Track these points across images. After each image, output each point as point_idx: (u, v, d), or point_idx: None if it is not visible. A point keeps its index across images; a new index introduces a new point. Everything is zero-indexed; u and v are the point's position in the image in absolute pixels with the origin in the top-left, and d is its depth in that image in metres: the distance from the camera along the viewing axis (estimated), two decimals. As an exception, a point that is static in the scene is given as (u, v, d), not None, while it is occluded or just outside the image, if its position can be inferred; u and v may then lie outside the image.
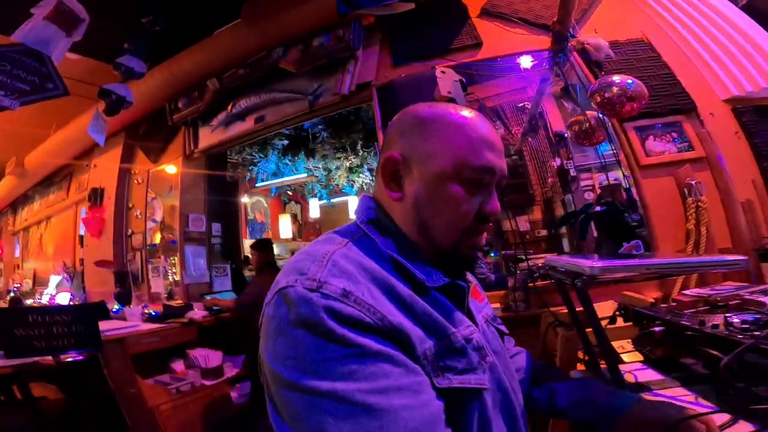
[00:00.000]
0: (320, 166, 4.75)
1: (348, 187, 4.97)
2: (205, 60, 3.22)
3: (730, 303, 0.98)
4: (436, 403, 0.46)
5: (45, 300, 5.02)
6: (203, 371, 2.70)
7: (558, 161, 4.06)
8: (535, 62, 2.57)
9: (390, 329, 0.47)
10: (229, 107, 3.38)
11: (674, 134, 2.08)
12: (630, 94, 1.83)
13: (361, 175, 4.73)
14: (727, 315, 0.84)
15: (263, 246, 3.03)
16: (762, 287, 1.36)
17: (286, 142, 4.50)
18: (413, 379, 0.45)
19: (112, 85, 2.62)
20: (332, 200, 5.66)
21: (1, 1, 2.44)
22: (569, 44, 2.31)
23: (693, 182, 1.89)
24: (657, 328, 0.98)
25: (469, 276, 0.71)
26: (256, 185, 5.40)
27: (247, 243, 4.65)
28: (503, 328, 0.74)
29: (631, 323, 1.20)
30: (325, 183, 5.03)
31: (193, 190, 3.88)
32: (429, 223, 0.59)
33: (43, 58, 2.38)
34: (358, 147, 4.30)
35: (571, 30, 2.25)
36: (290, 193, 6.15)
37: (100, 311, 2.36)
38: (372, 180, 4.73)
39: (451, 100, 1.88)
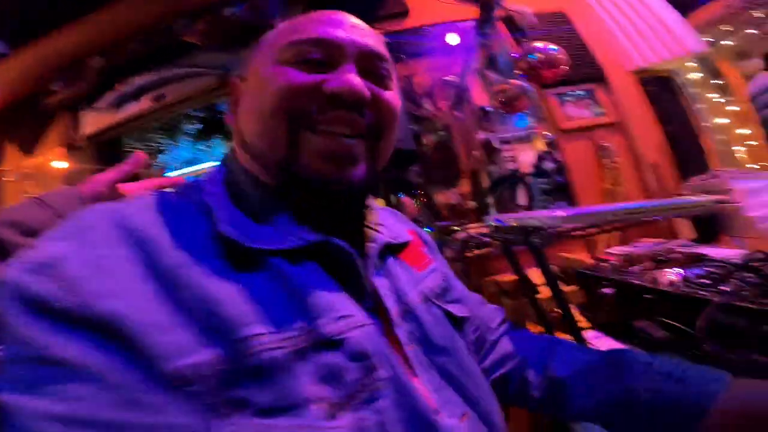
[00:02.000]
0: None
1: None
2: (86, 35, 2.61)
3: (671, 257, 0.97)
4: None
5: None
6: None
7: (482, 134, 4.21)
8: (462, 34, 2.51)
9: (101, 322, 0.27)
10: (119, 86, 2.82)
11: (588, 101, 2.18)
12: (552, 59, 1.83)
13: None
14: (680, 269, 0.80)
15: None
16: (681, 241, 1.44)
17: (199, 126, 4.04)
18: (127, 414, 0.26)
19: None
20: None
21: None
22: (495, 14, 2.28)
23: (606, 145, 1.98)
24: (608, 290, 0.93)
25: (399, 230, 0.51)
26: (165, 174, 4.80)
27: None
28: (456, 309, 0.51)
29: (574, 287, 1.17)
30: None
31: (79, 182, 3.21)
32: (246, 128, 0.42)
33: None
34: None
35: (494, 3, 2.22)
36: None
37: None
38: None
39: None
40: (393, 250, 0.49)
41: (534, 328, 1.07)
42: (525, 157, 3.43)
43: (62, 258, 0.29)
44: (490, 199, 4.47)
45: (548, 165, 2.19)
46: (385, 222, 0.51)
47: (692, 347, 0.63)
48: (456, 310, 0.51)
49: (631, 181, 2.02)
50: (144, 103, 2.82)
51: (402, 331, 0.41)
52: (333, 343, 0.33)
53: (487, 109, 4.04)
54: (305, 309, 0.34)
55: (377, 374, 0.34)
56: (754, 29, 2.34)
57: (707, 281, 0.71)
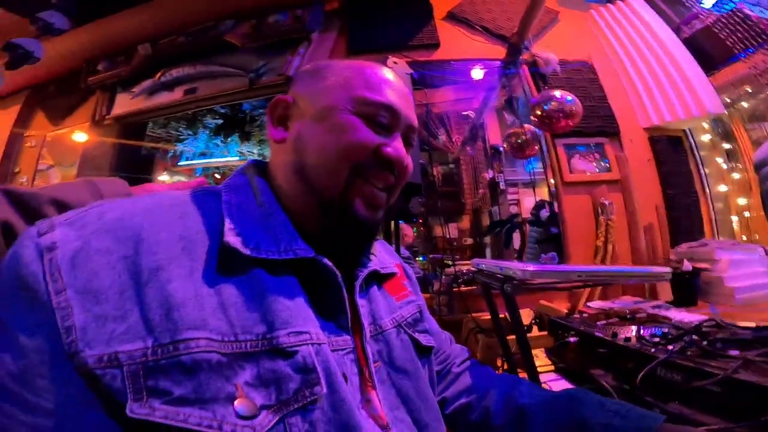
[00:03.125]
0: (255, 151, 4.46)
1: None
2: (140, 23, 2.81)
3: (637, 316, 1.00)
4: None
5: None
6: None
7: (490, 173, 4.27)
8: (486, 71, 2.61)
9: (56, 308, 0.32)
10: (158, 75, 2.98)
11: (597, 155, 2.23)
12: (567, 110, 1.90)
13: None
14: (638, 327, 0.84)
15: None
16: (657, 302, 1.46)
17: (219, 121, 4.16)
18: (17, 387, 0.31)
19: (21, 39, 2.18)
20: None
21: None
22: (522, 57, 2.38)
23: (606, 202, 2.02)
24: (572, 338, 0.96)
25: (383, 263, 0.56)
26: (179, 163, 4.91)
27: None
28: (423, 339, 0.55)
29: (546, 332, 1.20)
30: None
31: (99, 161, 3.32)
32: (310, 160, 0.45)
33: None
34: None
35: (526, 43, 2.32)
36: (218, 176, 5.74)
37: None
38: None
39: None
40: (379, 278, 0.54)
41: (499, 364, 1.10)
42: (529, 203, 3.49)
43: (58, 244, 0.34)
44: (487, 239, 4.51)
45: (544, 214, 2.23)
46: (378, 253, 0.57)
47: (635, 397, 0.66)
48: (423, 339, 0.55)
49: (624, 240, 2.05)
50: (176, 94, 2.97)
51: (371, 348, 0.46)
52: (284, 353, 0.37)
53: (499, 149, 4.12)
54: (269, 318, 0.38)
55: (317, 389, 0.37)
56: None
57: (659, 340, 0.75)
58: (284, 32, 2.69)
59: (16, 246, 0.35)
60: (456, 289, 2.01)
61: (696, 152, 2.35)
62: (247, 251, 0.40)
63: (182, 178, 5.65)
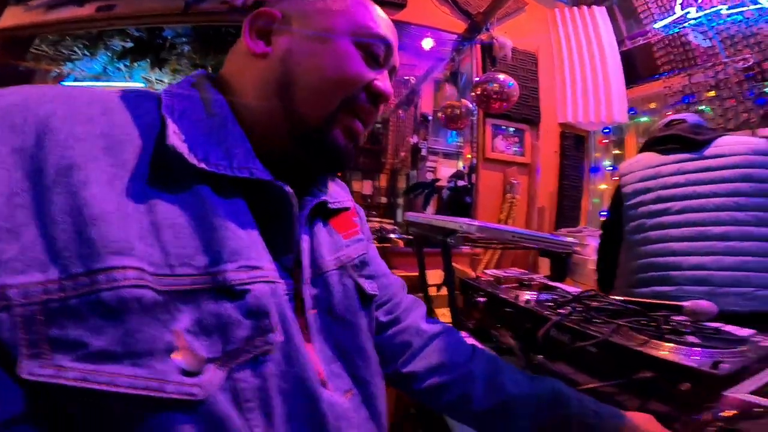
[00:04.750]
0: (166, 80, 3.86)
1: None
2: None
3: (532, 284, 1.17)
4: None
5: None
6: None
7: (415, 139, 4.39)
8: (437, 42, 2.58)
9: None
10: None
11: (516, 139, 2.43)
12: (505, 93, 2.01)
13: None
14: (536, 293, 0.98)
15: None
16: (539, 275, 1.73)
17: (130, 44, 3.47)
18: None
19: None
20: None
21: None
22: (480, 36, 2.39)
23: (515, 182, 2.25)
24: (481, 299, 1.09)
25: (338, 198, 0.52)
26: (62, 83, 4.01)
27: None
28: (368, 285, 0.50)
29: (457, 292, 1.33)
30: None
31: None
32: (300, 83, 0.41)
33: None
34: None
35: (488, 24, 2.34)
36: None
37: None
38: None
39: None
40: (325, 213, 0.49)
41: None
42: (445, 172, 3.68)
43: None
44: (400, 200, 4.71)
45: (461, 184, 2.39)
46: (331, 187, 0.52)
47: (528, 356, 0.79)
48: (368, 286, 0.50)
49: (521, 217, 2.33)
50: (86, 10, 2.36)
51: (308, 293, 0.41)
52: (232, 293, 0.30)
53: (428, 117, 4.23)
54: (214, 248, 0.31)
55: (271, 337, 0.32)
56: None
57: (551, 304, 0.89)
58: None
59: None
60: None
61: (592, 152, 2.73)
62: (194, 160, 0.32)
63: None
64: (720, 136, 1.24)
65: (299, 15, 0.43)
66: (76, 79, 3.85)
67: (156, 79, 3.85)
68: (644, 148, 1.41)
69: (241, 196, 0.36)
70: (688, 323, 0.73)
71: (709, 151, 1.21)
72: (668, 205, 1.21)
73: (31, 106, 0.28)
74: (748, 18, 2.13)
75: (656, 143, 1.35)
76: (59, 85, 0.34)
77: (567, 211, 2.53)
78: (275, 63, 0.42)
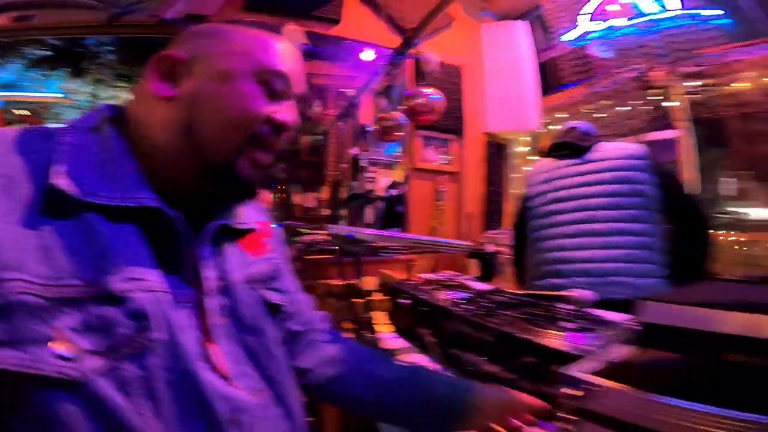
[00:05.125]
0: (88, 90, 3.59)
1: None
2: None
3: (451, 284, 1.26)
4: None
5: None
6: None
7: (355, 150, 4.48)
8: (377, 56, 2.66)
9: None
10: None
11: (444, 149, 2.59)
12: (432, 106, 2.15)
13: None
14: (452, 293, 1.07)
15: None
16: (468, 276, 1.86)
17: (49, 53, 3.19)
18: None
19: None
20: None
21: None
22: (410, 51, 2.50)
23: (443, 190, 2.40)
24: (405, 301, 1.15)
25: (248, 219, 0.56)
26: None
27: None
28: (274, 296, 0.56)
29: (388, 297, 1.38)
30: (84, 111, 3.83)
31: None
32: (204, 123, 0.46)
33: None
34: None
35: (417, 40, 2.42)
36: (24, 112, 4.35)
37: None
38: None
39: None
40: (233, 233, 0.53)
41: (347, 325, 1.23)
42: (384, 182, 3.79)
43: None
44: (343, 211, 4.74)
45: (393, 193, 2.48)
46: (242, 211, 0.56)
47: (444, 350, 0.86)
48: (273, 297, 0.55)
49: (449, 223, 2.48)
50: (1, 20, 2.15)
51: (213, 302, 0.46)
52: (114, 299, 0.37)
53: (367, 129, 4.34)
54: (101, 264, 0.38)
55: (150, 335, 0.38)
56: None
57: (462, 302, 0.98)
58: None
59: None
60: (309, 257, 2.08)
61: (512, 159, 2.96)
62: (76, 194, 0.39)
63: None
64: (599, 142, 1.44)
65: (203, 57, 0.47)
66: None
67: (76, 89, 3.57)
68: (546, 154, 1.58)
69: (133, 222, 0.42)
70: (572, 311, 0.85)
71: (590, 156, 1.39)
72: (560, 206, 1.38)
73: None
74: (642, 30, 2.37)
75: (553, 150, 1.53)
76: None
77: (493, 215, 2.72)
78: (180, 105, 0.46)
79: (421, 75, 2.45)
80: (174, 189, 0.46)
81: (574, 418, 0.44)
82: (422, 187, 2.48)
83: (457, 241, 0.95)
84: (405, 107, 2.15)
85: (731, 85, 2.08)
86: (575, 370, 0.46)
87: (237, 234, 0.54)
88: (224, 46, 0.48)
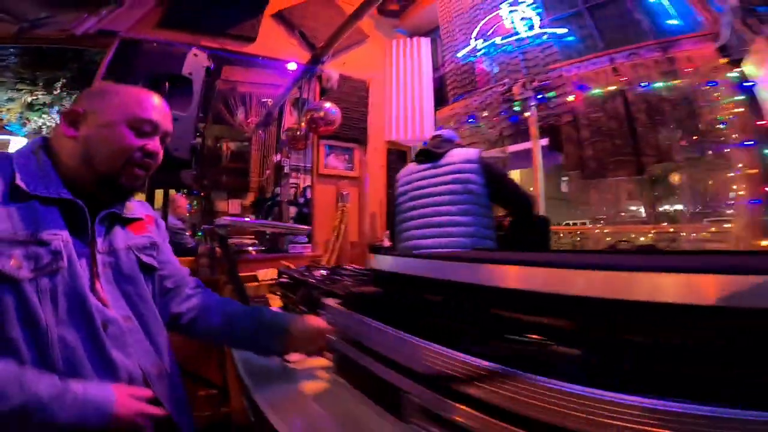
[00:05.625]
0: None
1: (16, 125, 3.72)
2: None
3: (328, 268, 1.58)
4: None
5: None
6: None
7: (278, 157, 4.64)
8: (294, 70, 2.88)
9: None
10: None
11: (347, 156, 2.90)
12: (329, 119, 2.44)
13: (44, 116, 3.64)
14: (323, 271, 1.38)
15: None
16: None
17: None
18: None
19: None
20: None
21: None
22: (318, 67, 2.76)
23: (345, 193, 2.72)
24: (285, 280, 1.45)
25: (137, 212, 0.86)
26: None
27: None
28: (146, 258, 0.83)
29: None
30: None
31: None
32: (95, 154, 0.74)
33: None
34: (58, 85, 3.33)
35: (324, 57, 2.70)
36: None
37: None
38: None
39: (188, 81, 1.84)
40: (123, 221, 0.82)
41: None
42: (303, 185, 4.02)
43: None
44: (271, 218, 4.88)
45: (300, 199, 2.76)
46: (131, 205, 0.85)
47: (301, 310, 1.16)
48: (145, 258, 0.83)
49: (354, 223, 2.81)
50: None
51: (100, 258, 0.74)
52: (43, 243, 0.64)
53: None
54: (37, 226, 0.65)
55: (60, 263, 0.65)
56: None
57: (322, 277, 1.29)
58: None
59: None
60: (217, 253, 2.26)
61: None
62: (27, 189, 0.67)
63: None
64: (454, 148, 1.77)
65: (94, 110, 0.75)
66: None
67: None
68: (413, 159, 1.94)
69: (57, 206, 0.70)
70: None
71: (441, 161, 1.76)
72: (415, 203, 1.76)
73: None
74: (513, 47, 2.72)
75: (417, 155, 1.90)
76: None
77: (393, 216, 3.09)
78: (80, 142, 0.74)
79: (323, 90, 2.74)
80: (82, 191, 0.73)
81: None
82: (325, 192, 2.79)
83: (302, 226, 1.24)
84: (307, 119, 2.43)
85: (566, 97, 2.54)
86: (329, 301, 0.79)
87: (126, 221, 0.83)
88: (109, 101, 0.76)
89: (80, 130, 0.74)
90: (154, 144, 0.78)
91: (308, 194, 2.92)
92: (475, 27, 2.94)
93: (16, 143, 4.29)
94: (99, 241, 0.74)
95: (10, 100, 3.64)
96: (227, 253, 1.14)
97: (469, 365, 0.45)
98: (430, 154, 1.82)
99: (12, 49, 3.21)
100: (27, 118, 3.83)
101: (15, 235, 0.62)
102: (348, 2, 2.90)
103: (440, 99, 3.29)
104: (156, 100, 0.81)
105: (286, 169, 4.71)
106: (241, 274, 2.00)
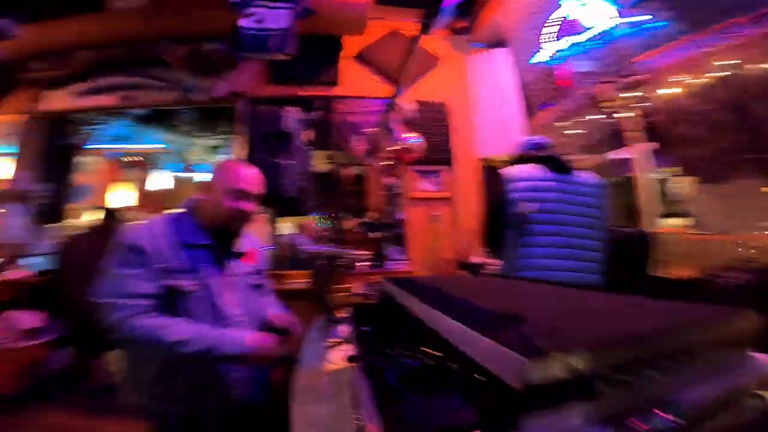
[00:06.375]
0: (179, 140, 4.81)
1: (203, 164, 5.17)
2: (83, 30, 3.15)
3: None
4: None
5: None
6: (18, 333, 2.60)
7: (391, 180, 5.16)
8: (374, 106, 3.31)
9: (145, 252, 1.09)
10: (95, 80, 3.39)
11: (436, 179, 3.12)
12: (414, 148, 2.73)
13: (220, 155, 4.97)
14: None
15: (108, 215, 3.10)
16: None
17: (143, 112, 4.42)
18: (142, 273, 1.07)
19: None
20: (183, 174, 5.78)
21: None
22: (396, 100, 3.12)
23: (436, 213, 2.92)
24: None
25: (246, 247, 1.27)
26: (88, 146, 4.97)
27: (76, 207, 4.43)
28: (251, 280, 1.28)
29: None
30: (179, 157, 5.10)
31: (28, 148, 3.55)
32: (216, 212, 1.19)
33: None
34: (222, 130, 4.55)
35: (401, 88, 2.92)
36: (134, 159, 5.85)
37: None
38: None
39: (288, 134, 2.43)
40: (239, 254, 1.25)
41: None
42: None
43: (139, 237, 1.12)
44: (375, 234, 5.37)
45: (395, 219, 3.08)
46: (245, 241, 1.28)
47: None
48: (250, 280, 1.27)
49: (448, 240, 2.98)
50: (112, 99, 3.41)
51: (227, 280, 1.19)
52: (197, 271, 1.13)
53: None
54: (194, 263, 1.13)
55: (205, 283, 1.13)
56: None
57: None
58: (216, 59, 3.23)
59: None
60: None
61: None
62: (187, 241, 1.15)
63: (92, 159, 5.62)
64: (575, 167, 1.65)
65: (215, 182, 1.21)
66: (100, 142, 4.80)
67: (171, 139, 4.78)
68: (521, 161, 1.76)
69: (204, 249, 1.17)
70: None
71: (575, 178, 1.62)
72: (549, 216, 1.58)
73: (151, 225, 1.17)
74: (595, 43, 2.40)
75: (541, 160, 1.68)
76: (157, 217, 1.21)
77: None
78: (210, 203, 1.20)
79: (405, 121, 3.03)
80: (215, 233, 1.19)
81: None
82: (417, 213, 3.04)
83: (362, 252, 1.51)
84: (393, 151, 2.76)
85: (661, 90, 2.15)
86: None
87: (240, 254, 1.26)
88: (220, 177, 1.21)
89: (209, 195, 1.20)
90: (249, 206, 1.21)
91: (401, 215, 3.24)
92: (549, 29, 2.73)
93: (199, 178, 5.80)
94: (227, 268, 1.21)
95: (193, 145, 4.92)
96: (318, 271, 1.53)
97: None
98: (557, 163, 1.65)
99: (185, 109, 4.33)
100: (208, 158, 5.19)
101: (185, 268, 1.10)
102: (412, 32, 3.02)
103: (526, 109, 3.18)
104: (250, 172, 1.23)
105: (398, 190, 5.20)
106: (343, 286, 2.45)
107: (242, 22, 2.50)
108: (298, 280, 2.47)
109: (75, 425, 2.30)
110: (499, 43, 3.37)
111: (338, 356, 1.17)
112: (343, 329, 1.37)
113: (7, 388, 2.50)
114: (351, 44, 3.40)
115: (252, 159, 2.10)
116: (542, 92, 3.03)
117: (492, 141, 3.18)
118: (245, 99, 3.20)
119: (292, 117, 2.53)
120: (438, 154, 3.15)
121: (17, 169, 3.50)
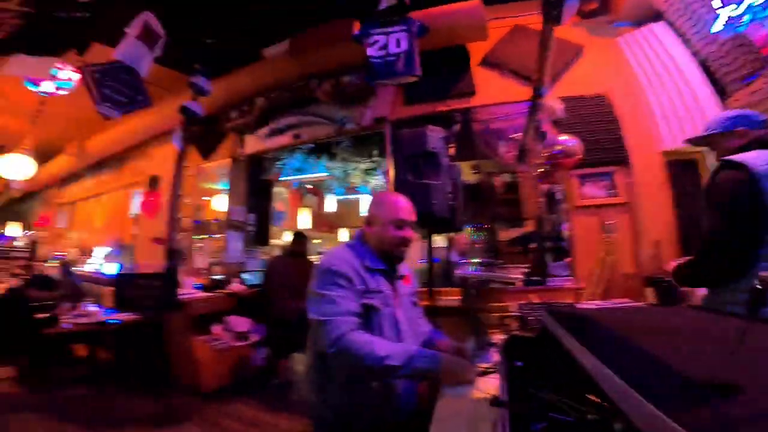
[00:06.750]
0: (339, 167, 5.54)
1: (362, 186, 5.79)
2: (255, 81, 4.12)
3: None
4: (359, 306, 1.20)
5: (90, 268, 5.89)
6: (234, 334, 3.46)
7: (547, 186, 4.68)
8: (514, 111, 3.13)
9: (349, 276, 1.23)
10: (273, 122, 4.32)
11: (606, 183, 2.66)
12: (569, 151, 2.43)
13: (375, 177, 5.50)
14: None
15: (298, 238, 3.85)
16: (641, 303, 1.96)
17: (312, 146, 5.33)
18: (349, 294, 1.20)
19: (188, 103, 3.46)
20: (347, 196, 6.63)
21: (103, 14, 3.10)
22: (539, 101, 2.86)
23: (610, 222, 2.48)
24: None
25: (404, 270, 1.41)
26: (280, 179, 6.21)
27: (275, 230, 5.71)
28: (411, 299, 1.42)
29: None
30: (342, 181, 5.87)
31: (236, 185, 4.76)
32: (380, 242, 1.34)
33: (134, 72, 3.12)
34: (374, 154, 5.06)
35: (543, 87, 2.60)
36: (309, 187, 7.06)
37: (175, 280, 3.15)
38: (383, 182, 5.49)
39: (433, 154, 2.48)
40: (400, 277, 1.39)
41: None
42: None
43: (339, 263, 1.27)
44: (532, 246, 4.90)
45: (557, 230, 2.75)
46: (403, 265, 1.41)
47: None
48: (411, 299, 1.42)
49: (627, 252, 2.49)
50: (286, 138, 4.30)
51: (397, 299, 1.34)
52: (381, 291, 1.27)
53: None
54: (378, 284, 1.28)
55: (386, 301, 1.28)
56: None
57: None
58: (356, 89, 3.67)
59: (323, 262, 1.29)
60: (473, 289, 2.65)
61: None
62: (370, 265, 1.30)
63: (282, 190, 7.03)
64: None
65: (376, 215, 1.37)
66: (287, 174, 5.95)
67: (334, 166, 5.56)
68: (753, 145, 1.35)
69: (380, 273, 1.33)
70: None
71: None
72: None
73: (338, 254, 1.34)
74: None
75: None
76: (338, 247, 1.39)
77: (691, 240, 2.48)
78: (374, 234, 1.36)
79: (553, 122, 2.68)
80: (384, 259, 1.33)
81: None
82: (585, 223, 2.64)
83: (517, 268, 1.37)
84: (545, 156, 2.49)
85: None
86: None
87: (402, 276, 1.40)
88: (379, 210, 1.36)
89: (372, 227, 1.36)
90: (408, 233, 1.34)
91: (564, 227, 2.87)
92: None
93: (363, 199, 6.47)
94: (397, 288, 1.35)
95: (355, 169, 5.54)
96: (470, 288, 1.50)
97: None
98: None
99: (341, 139, 4.90)
100: (366, 180, 5.77)
101: (373, 289, 1.25)
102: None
103: (720, 87, 2.45)
104: (405, 202, 1.36)
105: (558, 196, 4.65)
106: (498, 304, 2.32)
107: (370, 51, 2.73)
108: (450, 297, 2.46)
109: (264, 420, 2.72)
110: (650, 18, 2.78)
111: (486, 384, 1.12)
112: (495, 355, 1.33)
113: (225, 380, 3.25)
114: (480, 51, 3.31)
115: (400, 182, 2.27)
116: (740, 65, 2.29)
117: (676, 130, 2.55)
118: (388, 123, 3.47)
119: (435, 136, 2.60)
120: (606, 154, 2.71)
121: (230, 203, 4.64)
